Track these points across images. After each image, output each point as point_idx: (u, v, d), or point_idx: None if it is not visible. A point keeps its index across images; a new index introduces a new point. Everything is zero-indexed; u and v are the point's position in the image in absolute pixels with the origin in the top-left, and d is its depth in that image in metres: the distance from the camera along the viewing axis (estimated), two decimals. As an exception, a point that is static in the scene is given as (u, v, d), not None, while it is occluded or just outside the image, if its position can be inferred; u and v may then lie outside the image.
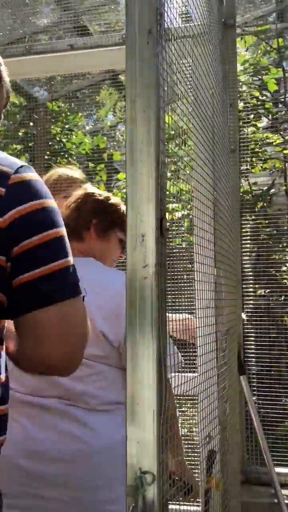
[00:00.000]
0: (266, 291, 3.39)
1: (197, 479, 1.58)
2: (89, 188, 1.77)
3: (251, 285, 3.22)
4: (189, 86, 1.10)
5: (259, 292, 3.28)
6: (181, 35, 0.91)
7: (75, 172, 2.16)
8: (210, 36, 1.27)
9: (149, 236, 0.72)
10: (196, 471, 1.66)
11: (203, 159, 1.17)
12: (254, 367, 2.88)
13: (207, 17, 1.30)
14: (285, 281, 3.39)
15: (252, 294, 3.19)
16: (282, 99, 3.91)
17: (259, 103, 3.77)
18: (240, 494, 1.99)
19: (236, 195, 2.40)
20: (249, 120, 3.58)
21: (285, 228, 3.59)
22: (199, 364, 1.37)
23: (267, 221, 3.59)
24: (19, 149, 3.38)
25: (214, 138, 1.35)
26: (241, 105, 3.45)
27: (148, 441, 0.68)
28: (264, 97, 3.81)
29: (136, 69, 0.73)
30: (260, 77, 3.67)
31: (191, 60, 1.03)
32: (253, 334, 2.96)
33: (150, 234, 0.72)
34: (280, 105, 4.06)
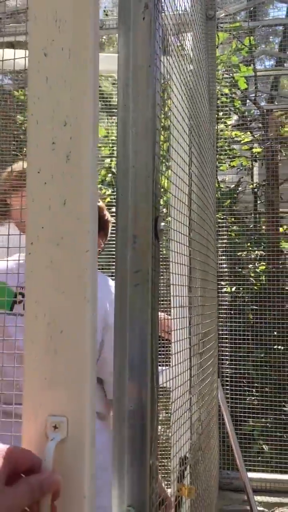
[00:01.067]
0: (233, 288, 3.36)
1: (168, 488, 1.49)
2: None
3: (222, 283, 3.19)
4: (184, 75, 1.00)
5: (226, 289, 3.25)
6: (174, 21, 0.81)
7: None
8: (198, 24, 1.17)
9: (142, 238, 0.61)
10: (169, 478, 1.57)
11: (185, 151, 1.07)
12: (228, 370, 2.83)
13: (196, 4, 1.20)
14: (251, 279, 3.36)
15: (224, 292, 3.16)
16: (252, 97, 3.87)
17: (229, 100, 3.73)
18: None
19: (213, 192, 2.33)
20: (219, 117, 3.54)
21: (251, 226, 3.57)
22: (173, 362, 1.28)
23: (233, 218, 3.57)
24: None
25: (200, 128, 1.25)
26: (211, 101, 3.39)
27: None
28: (234, 95, 3.76)
29: (130, 47, 0.63)
30: (230, 74, 3.61)
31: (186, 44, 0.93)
32: (227, 334, 2.91)
33: (143, 235, 0.61)
34: (249, 103, 4.03)
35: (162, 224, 0.68)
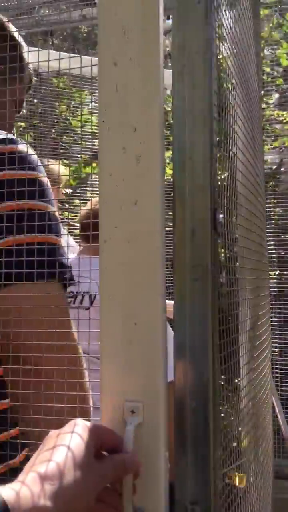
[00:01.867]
0: (277, 273, 3.35)
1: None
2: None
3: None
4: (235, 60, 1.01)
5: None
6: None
7: (56, 167, 2.19)
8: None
9: (201, 231, 0.64)
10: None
11: (245, 137, 1.08)
12: (277, 357, 2.84)
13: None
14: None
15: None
16: (295, 75, 3.79)
17: (269, 79, 3.67)
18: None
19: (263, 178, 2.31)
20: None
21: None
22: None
23: (275, 201, 3.54)
24: (23, 126, 3.27)
25: (252, 113, 1.26)
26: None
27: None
28: (275, 72, 3.70)
29: (185, 34, 0.64)
30: (272, 51, 3.55)
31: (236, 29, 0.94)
32: (276, 321, 2.90)
33: (202, 228, 0.64)
34: (291, 81, 3.94)
35: (221, 216, 0.71)
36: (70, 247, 1.36)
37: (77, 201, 3.27)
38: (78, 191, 3.41)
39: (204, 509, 0.64)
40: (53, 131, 3.34)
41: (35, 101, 3.35)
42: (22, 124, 3.29)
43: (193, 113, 0.64)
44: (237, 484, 1.41)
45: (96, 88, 0.74)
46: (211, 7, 0.63)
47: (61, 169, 2.26)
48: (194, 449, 0.64)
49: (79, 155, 3.34)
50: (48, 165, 2.02)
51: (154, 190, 0.64)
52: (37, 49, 1.58)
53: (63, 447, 0.55)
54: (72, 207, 3.25)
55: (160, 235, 0.64)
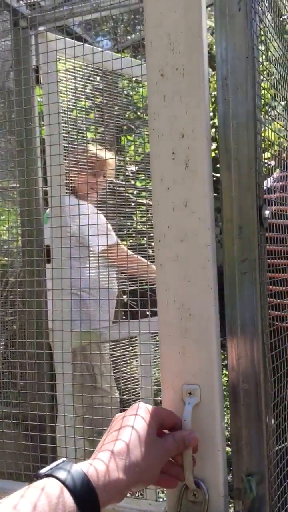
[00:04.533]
0: None
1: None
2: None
3: None
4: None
5: None
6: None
7: (107, 153, 2.34)
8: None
9: (248, 228, 0.68)
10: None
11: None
12: None
13: None
14: None
15: None
16: None
17: None
18: None
19: None
20: None
21: None
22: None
23: None
24: (88, 105, 3.33)
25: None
26: None
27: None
28: None
29: (227, 40, 0.67)
30: None
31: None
32: None
33: (249, 225, 0.68)
34: None
35: (267, 212, 0.74)
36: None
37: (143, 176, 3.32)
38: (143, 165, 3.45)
39: (258, 480, 0.70)
40: (116, 108, 3.39)
41: (97, 78, 3.40)
42: (87, 103, 3.36)
43: (237, 116, 0.68)
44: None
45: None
46: (251, 14, 0.66)
47: (108, 155, 2.36)
48: (248, 422, 0.71)
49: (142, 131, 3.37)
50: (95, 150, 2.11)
51: (203, 191, 0.69)
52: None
53: (129, 427, 0.63)
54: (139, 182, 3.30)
55: (210, 233, 0.69)
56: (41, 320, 1.80)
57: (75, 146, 2.05)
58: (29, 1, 1.90)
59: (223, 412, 0.73)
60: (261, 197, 0.69)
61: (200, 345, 0.71)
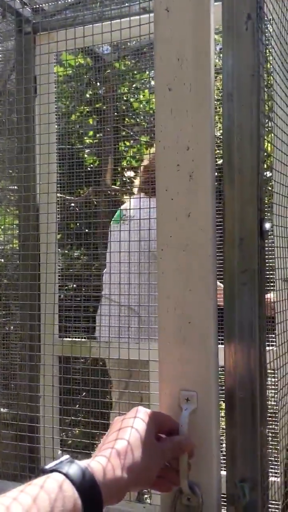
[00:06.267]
0: None
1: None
2: None
3: None
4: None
5: None
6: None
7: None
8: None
9: (248, 240, 0.70)
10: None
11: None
12: None
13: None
14: None
15: None
16: None
17: None
18: None
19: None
20: None
21: None
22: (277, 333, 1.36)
23: None
24: (87, 110, 3.36)
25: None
26: None
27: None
28: None
29: (234, 58, 0.69)
30: None
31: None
32: None
33: (249, 237, 0.70)
34: None
35: (267, 225, 0.76)
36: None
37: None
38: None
39: (251, 486, 0.72)
40: (115, 113, 3.42)
41: (98, 84, 3.43)
42: (86, 108, 3.38)
43: (242, 132, 0.70)
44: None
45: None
46: (258, 33, 0.68)
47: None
48: (243, 429, 0.72)
49: (139, 137, 3.40)
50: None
51: (206, 203, 0.71)
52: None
53: (129, 428, 0.65)
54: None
55: (211, 244, 0.71)
56: (34, 323, 1.81)
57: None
58: (33, 7, 1.92)
59: (219, 419, 0.75)
60: (262, 210, 0.71)
61: (198, 352, 0.73)
